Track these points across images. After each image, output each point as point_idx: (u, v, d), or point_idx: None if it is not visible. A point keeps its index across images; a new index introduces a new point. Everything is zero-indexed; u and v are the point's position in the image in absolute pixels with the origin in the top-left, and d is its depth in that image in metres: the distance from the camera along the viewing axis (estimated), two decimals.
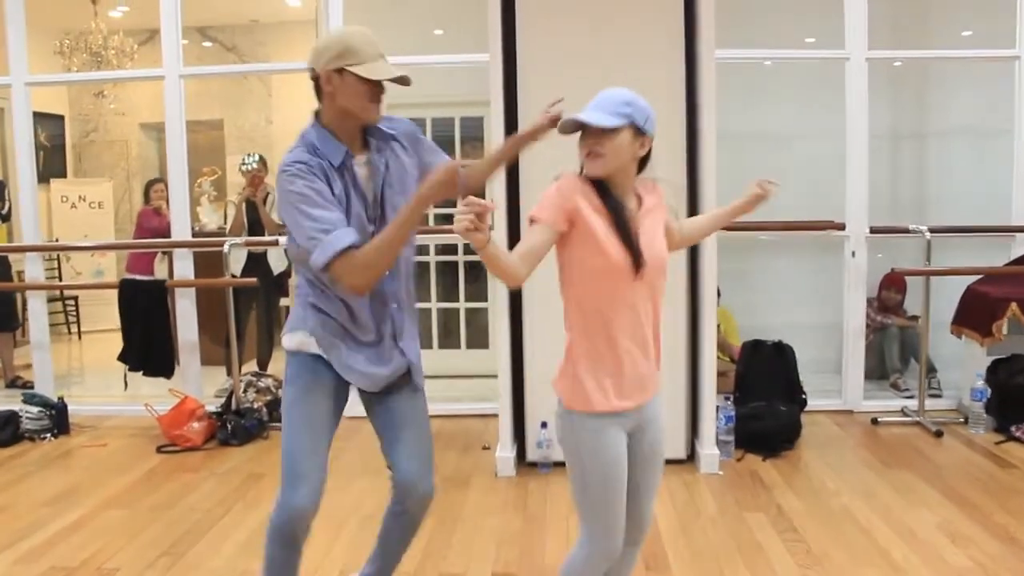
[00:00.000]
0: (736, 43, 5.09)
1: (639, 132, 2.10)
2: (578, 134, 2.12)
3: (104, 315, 8.86)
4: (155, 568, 3.29)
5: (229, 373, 5.42)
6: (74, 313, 8.68)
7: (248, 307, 6.18)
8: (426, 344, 6.54)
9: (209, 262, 5.70)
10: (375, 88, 2.27)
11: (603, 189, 2.12)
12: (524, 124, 4.18)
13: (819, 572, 3.14)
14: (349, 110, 2.28)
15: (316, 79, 2.29)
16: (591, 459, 2.12)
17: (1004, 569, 3.11)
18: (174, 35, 5.32)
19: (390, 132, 2.40)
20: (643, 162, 2.17)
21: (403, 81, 2.28)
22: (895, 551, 3.28)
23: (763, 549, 3.35)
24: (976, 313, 5.04)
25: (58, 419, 5.14)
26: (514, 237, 4.33)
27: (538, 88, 4.24)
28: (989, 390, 4.82)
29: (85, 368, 7.86)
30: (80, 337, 8.69)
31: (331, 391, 2.42)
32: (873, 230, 5.24)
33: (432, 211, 6.42)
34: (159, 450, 4.79)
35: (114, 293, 8.63)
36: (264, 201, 6.07)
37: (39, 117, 8.82)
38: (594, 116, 2.06)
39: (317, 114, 2.34)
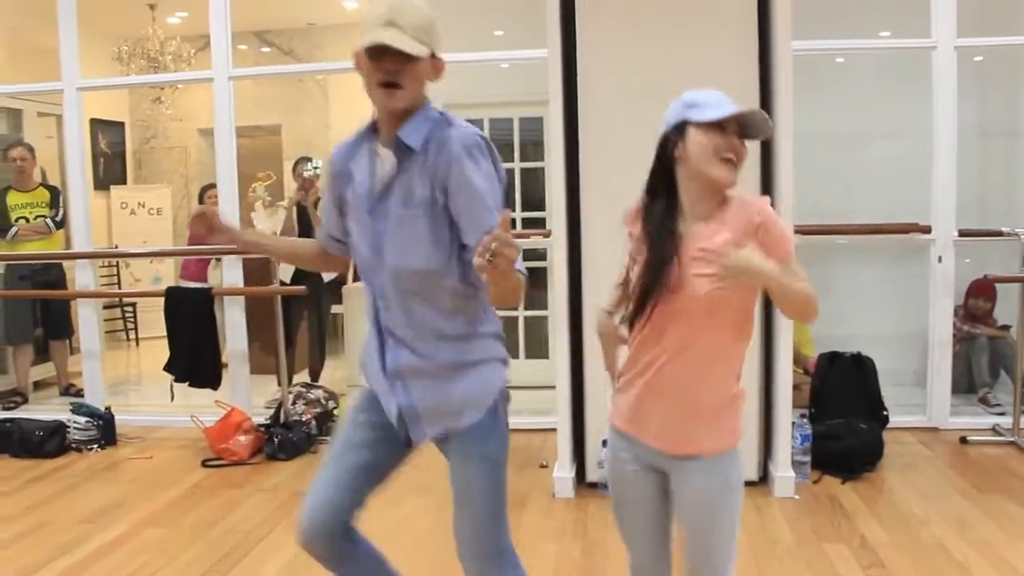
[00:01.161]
0: (811, 33, 4.76)
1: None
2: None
3: (162, 321, 8.86)
4: None
5: (280, 383, 5.25)
6: (132, 319, 8.67)
7: (299, 315, 6.04)
8: None
9: (264, 269, 5.55)
10: (376, 66, 1.86)
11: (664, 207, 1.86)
12: (584, 123, 3.98)
13: None
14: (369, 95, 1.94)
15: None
16: None
17: None
18: (224, 37, 5.21)
19: (407, 144, 1.92)
20: None
21: (391, 58, 1.84)
22: None
23: None
24: None
25: (105, 430, 5.04)
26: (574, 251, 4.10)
27: (598, 87, 4.01)
28: None
29: (143, 375, 7.81)
30: (138, 344, 8.67)
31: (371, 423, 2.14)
32: (962, 233, 4.85)
33: None
34: (204, 464, 4.64)
35: None
36: (315, 205, 5.91)
37: (100, 124, 8.90)
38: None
39: None
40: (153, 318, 8.64)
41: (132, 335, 8.70)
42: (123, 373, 7.68)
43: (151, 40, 7.89)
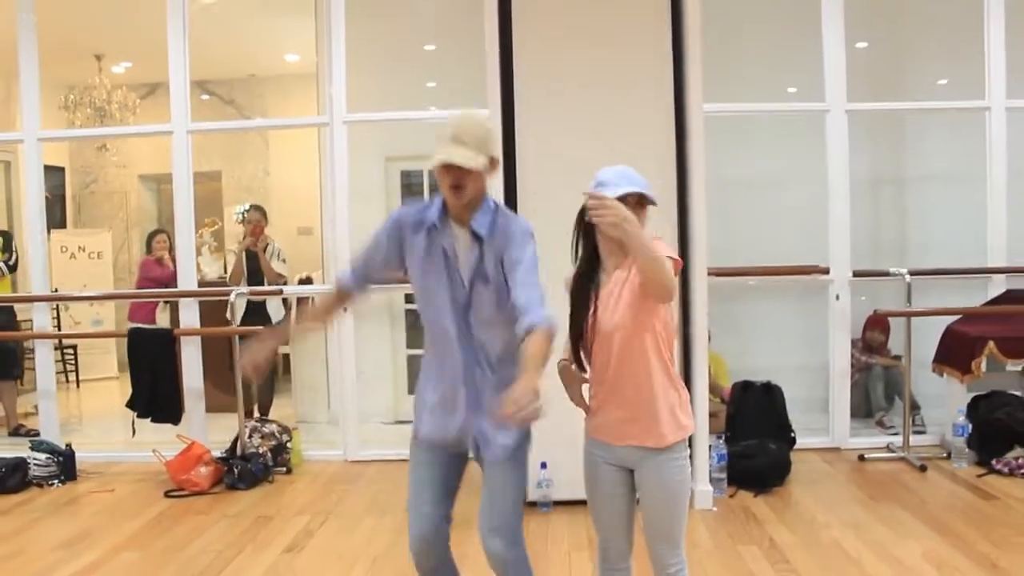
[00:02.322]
0: (722, 94, 5.34)
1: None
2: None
3: (103, 363, 9.02)
4: None
5: (239, 419, 5.51)
6: (72, 362, 8.78)
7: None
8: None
9: (211, 311, 5.86)
10: (446, 172, 2.36)
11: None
12: (522, 177, 4.45)
13: None
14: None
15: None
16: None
17: None
18: (182, 91, 5.54)
19: (478, 232, 2.45)
20: None
21: (457, 168, 2.34)
22: None
23: None
24: (956, 352, 5.25)
25: (66, 465, 5.25)
26: None
27: (535, 144, 4.47)
28: (970, 425, 5.01)
29: (84, 415, 7.94)
30: (79, 385, 8.78)
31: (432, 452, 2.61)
32: (856, 273, 5.46)
33: None
34: (167, 495, 4.91)
35: (112, 342, 8.89)
36: (264, 251, 6.25)
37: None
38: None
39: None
40: (94, 360, 8.84)
41: (72, 376, 8.80)
42: (65, 414, 7.78)
43: (97, 89, 8.13)
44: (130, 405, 5.42)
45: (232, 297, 5.48)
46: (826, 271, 5.47)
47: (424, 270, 2.51)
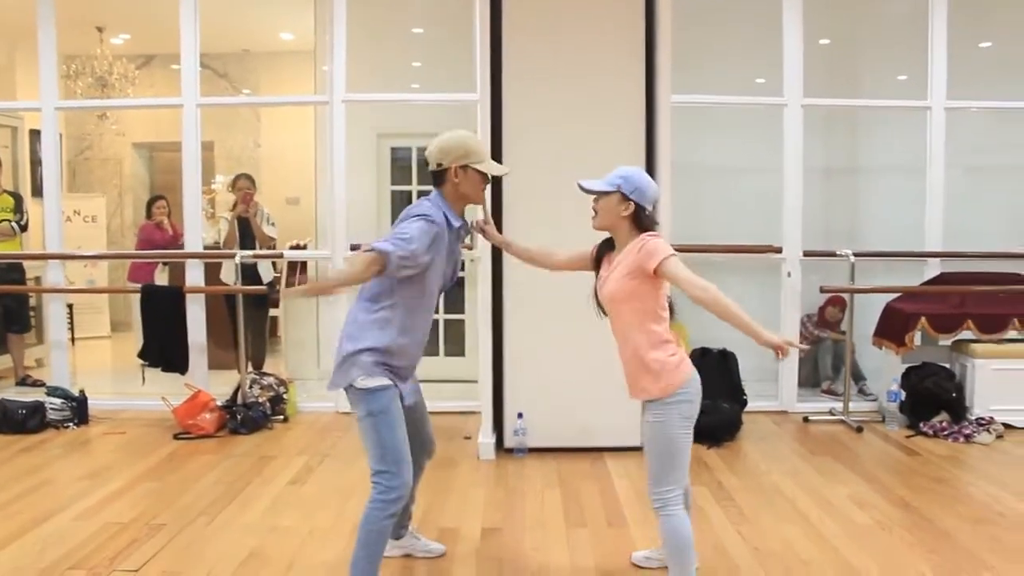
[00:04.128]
0: (692, 85, 5.88)
1: (624, 198, 2.93)
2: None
3: (96, 322, 9.41)
4: (196, 524, 3.89)
5: (239, 371, 5.96)
6: (69, 321, 9.14)
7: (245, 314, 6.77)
8: None
9: (208, 273, 6.30)
10: (487, 180, 3.11)
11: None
12: (507, 155, 4.94)
13: (749, 528, 3.84)
14: (470, 196, 3.08)
15: (442, 170, 3.03)
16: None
17: (897, 526, 3.84)
18: (192, 66, 5.94)
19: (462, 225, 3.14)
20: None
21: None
22: (812, 514, 4.01)
23: (704, 512, 4.05)
24: (893, 326, 5.82)
25: (79, 410, 5.70)
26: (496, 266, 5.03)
27: (519, 128, 4.97)
28: (903, 393, 5.59)
29: (79, 371, 8.33)
30: (74, 343, 9.15)
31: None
32: (806, 253, 6.02)
33: None
34: (176, 437, 5.37)
35: (106, 303, 9.28)
36: (254, 216, 6.70)
37: (36, 135, 9.37)
38: (592, 183, 3.01)
39: (440, 190, 3.07)
40: (88, 319, 9.22)
41: (70, 335, 9.16)
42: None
43: (99, 60, 8.49)
44: (141, 355, 5.89)
45: (236, 259, 5.93)
46: (779, 250, 6.02)
47: (444, 261, 3.06)
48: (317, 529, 3.83)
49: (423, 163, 7.09)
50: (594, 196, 2.98)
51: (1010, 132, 6.66)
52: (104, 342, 9.34)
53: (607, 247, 3.08)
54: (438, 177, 3.06)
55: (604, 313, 3.06)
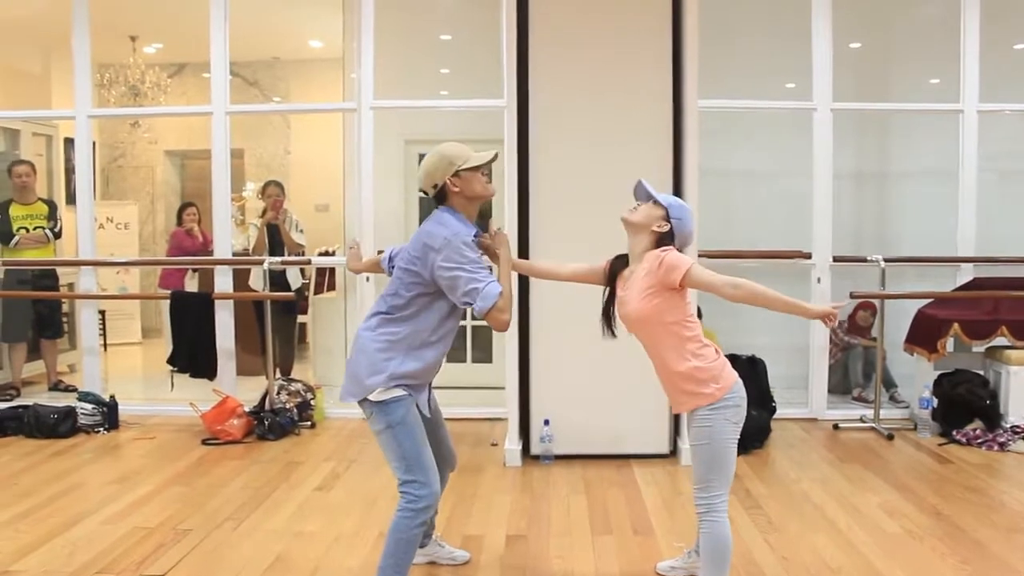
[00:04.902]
0: (720, 91, 5.84)
1: (664, 218, 2.93)
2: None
3: (128, 329, 9.53)
4: (222, 529, 3.91)
5: (267, 377, 6.00)
6: (102, 327, 9.27)
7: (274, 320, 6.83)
8: None
9: (237, 281, 6.35)
10: (485, 171, 3.06)
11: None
12: (534, 164, 4.94)
13: (777, 537, 3.80)
14: (478, 194, 3.05)
15: (440, 189, 3.02)
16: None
17: (929, 535, 3.78)
18: (223, 74, 6.00)
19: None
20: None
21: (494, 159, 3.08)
22: (841, 522, 3.96)
23: (733, 520, 3.91)
24: (924, 333, 5.74)
25: (110, 415, 5.76)
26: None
27: (547, 134, 4.96)
28: (935, 400, 5.51)
29: (113, 376, 8.44)
30: (106, 349, 9.28)
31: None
32: (836, 259, 5.95)
33: None
34: (204, 442, 5.41)
35: (137, 310, 9.40)
36: (283, 223, 6.73)
37: (70, 143, 9.52)
38: (642, 186, 3.04)
39: (448, 206, 3.04)
40: (120, 325, 9.34)
41: (102, 340, 9.30)
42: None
43: (132, 69, 8.60)
44: (171, 361, 5.95)
45: (265, 266, 5.97)
46: (808, 256, 5.95)
47: None
48: (343, 535, 3.84)
49: None
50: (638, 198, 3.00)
51: None
52: (135, 348, 9.45)
53: (621, 264, 3.06)
54: (441, 196, 3.04)
55: (612, 333, 3.08)
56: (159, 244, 10.18)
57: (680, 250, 2.92)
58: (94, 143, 9.91)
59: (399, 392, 2.95)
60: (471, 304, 2.87)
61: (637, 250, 2.96)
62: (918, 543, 3.70)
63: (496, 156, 3.09)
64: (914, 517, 4.01)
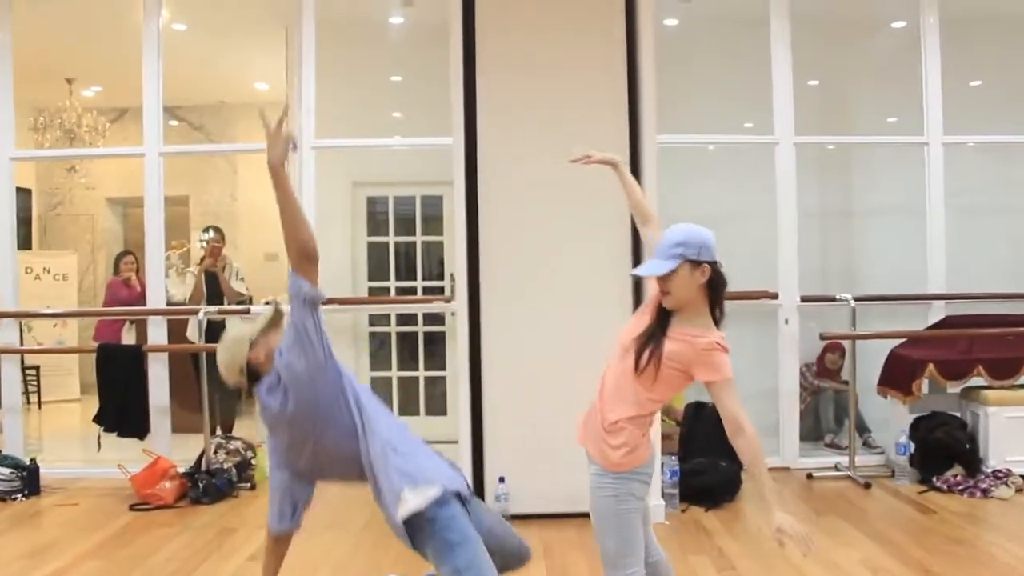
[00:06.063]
0: (680, 128, 5.62)
1: (696, 264, 2.45)
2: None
3: (65, 385, 9.02)
4: None
5: (204, 434, 5.59)
6: (35, 383, 8.78)
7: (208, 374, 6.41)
8: None
9: (174, 332, 5.97)
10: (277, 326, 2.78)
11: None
12: (484, 203, 4.64)
13: None
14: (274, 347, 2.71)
15: (250, 367, 2.71)
16: None
17: None
18: (155, 114, 5.67)
19: None
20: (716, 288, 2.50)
21: None
22: None
23: None
24: (898, 374, 5.49)
25: (30, 480, 5.30)
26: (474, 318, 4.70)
27: (496, 172, 4.67)
28: (912, 445, 5.25)
29: (45, 435, 7.94)
30: (40, 407, 8.78)
31: None
32: (804, 299, 5.70)
33: (393, 283, 6.81)
34: (132, 508, 4.97)
35: (75, 365, 8.91)
36: (223, 271, 6.37)
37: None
38: (645, 266, 2.51)
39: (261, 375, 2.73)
40: (56, 382, 8.85)
41: (34, 398, 8.80)
42: (27, 433, 7.77)
43: (68, 112, 8.23)
44: (97, 419, 5.51)
45: (200, 316, 5.59)
46: (775, 296, 5.70)
47: None
48: None
49: (400, 213, 6.93)
50: (661, 278, 2.47)
51: (1005, 170, 6.45)
52: (73, 405, 8.92)
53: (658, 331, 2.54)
54: (254, 374, 2.70)
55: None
56: (100, 296, 9.70)
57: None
58: (30, 190, 9.67)
59: (433, 490, 2.64)
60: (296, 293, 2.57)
61: (689, 313, 2.51)
62: None
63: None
64: (899, 573, 3.70)
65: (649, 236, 2.83)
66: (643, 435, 2.56)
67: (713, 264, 2.48)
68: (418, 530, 2.60)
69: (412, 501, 2.57)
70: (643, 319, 2.57)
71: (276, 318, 2.75)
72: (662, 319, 2.51)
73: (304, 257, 2.57)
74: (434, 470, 2.69)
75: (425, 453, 2.77)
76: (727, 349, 2.46)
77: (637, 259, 4.72)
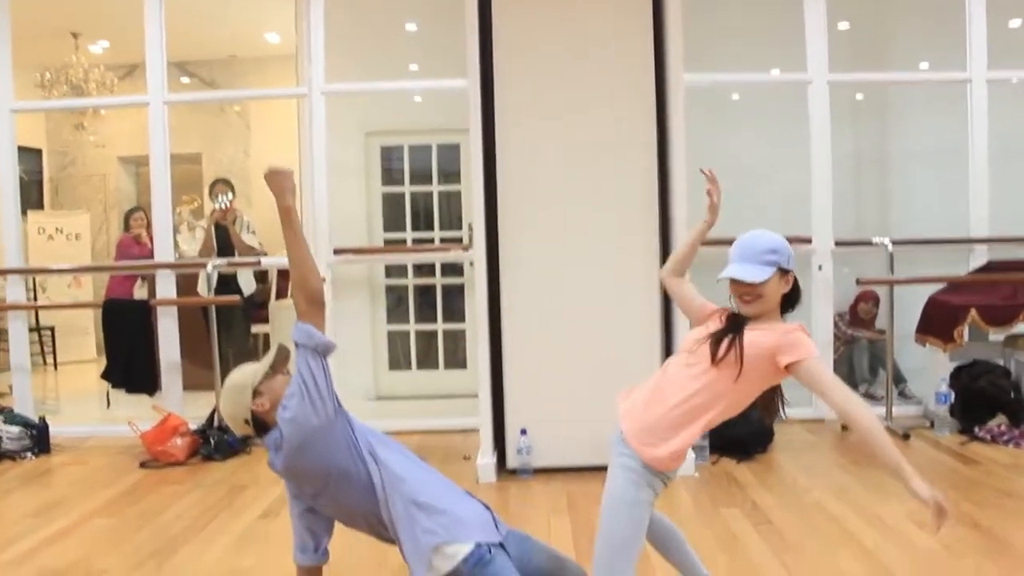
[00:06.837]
0: (708, 65, 5.34)
1: (784, 273, 2.30)
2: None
3: (81, 345, 8.91)
4: (143, 569, 3.33)
5: (215, 389, 5.43)
6: (50, 343, 8.68)
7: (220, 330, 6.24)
8: (405, 365, 6.63)
9: (187, 286, 5.80)
10: (283, 370, 2.61)
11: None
12: (501, 149, 4.39)
13: (794, 556, 3.26)
14: (279, 394, 2.53)
15: (255, 418, 2.54)
16: None
17: (968, 549, 3.25)
18: (159, 63, 5.45)
19: None
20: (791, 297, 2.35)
21: None
22: (866, 538, 3.42)
23: (739, 538, 3.46)
24: (938, 321, 5.23)
25: (39, 439, 5.17)
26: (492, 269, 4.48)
27: (515, 115, 4.42)
28: (953, 394, 5.00)
29: (61, 397, 7.84)
30: (56, 367, 8.68)
31: None
32: (839, 243, 5.44)
33: (410, 235, 6.58)
34: (142, 465, 4.84)
35: (91, 325, 8.79)
36: (233, 223, 6.17)
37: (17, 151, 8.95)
38: (742, 270, 2.29)
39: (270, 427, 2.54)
40: (72, 343, 8.74)
41: (50, 359, 8.70)
42: (41, 395, 7.67)
43: (74, 68, 8.03)
44: (105, 376, 5.36)
45: (208, 268, 5.40)
46: (808, 240, 5.43)
47: None
48: (282, 573, 3.26)
49: (416, 164, 6.69)
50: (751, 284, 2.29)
51: None
52: (89, 366, 8.80)
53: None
54: (260, 425, 2.53)
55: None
56: (113, 255, 9.59)
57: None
58: (40, 150, 9.51)
59: (466, 545, 2.45)
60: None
61: (762, 319, 2.33)
62: (958, 561, 3.17)
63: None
64: (948, 529, 3.47)
65: (670, 284, 2.76)
66: (691, 444, 2.35)
67: (794, 275, 2.36)
68: None
69: (442, 567, 2.40)
70: (708, 328, 2.39)
71: (281, 358, 2.58)
72: (735, 320, 2.34)
73: (314, 303, 2.47)
74: (462, 522, 2.48)
75: (452, 499, 2.55)
76: (805, 330, 2.26)
77: (664, 204, 4.49)
